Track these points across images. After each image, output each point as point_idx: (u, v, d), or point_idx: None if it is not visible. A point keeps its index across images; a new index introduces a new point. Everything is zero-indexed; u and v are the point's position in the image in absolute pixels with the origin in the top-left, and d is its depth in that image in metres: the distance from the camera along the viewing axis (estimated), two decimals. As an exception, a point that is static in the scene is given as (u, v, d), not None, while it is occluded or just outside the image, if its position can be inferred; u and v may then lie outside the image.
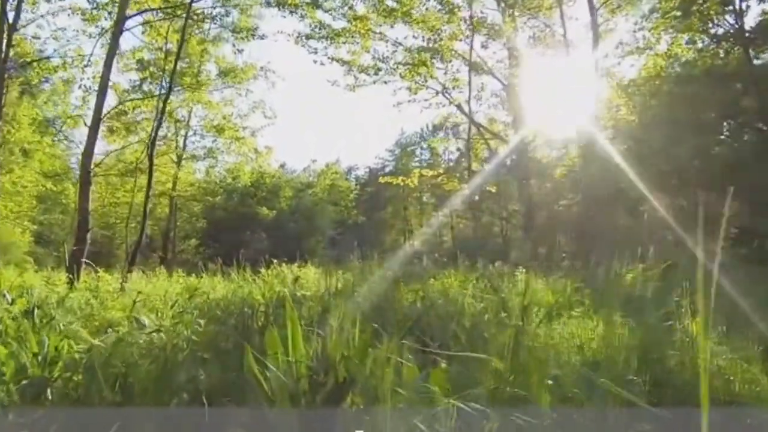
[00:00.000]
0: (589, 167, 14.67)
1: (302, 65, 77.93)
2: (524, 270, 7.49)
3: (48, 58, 12.33)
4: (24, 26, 12.32)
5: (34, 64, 12.66)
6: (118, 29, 9.72)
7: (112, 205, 27.03)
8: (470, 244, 38.90)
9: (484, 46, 13.53)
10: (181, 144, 26.58)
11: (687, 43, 19.02)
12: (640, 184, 15.91)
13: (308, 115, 78.89)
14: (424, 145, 50.36)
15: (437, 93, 14.66)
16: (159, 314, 5.24)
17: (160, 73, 21.77)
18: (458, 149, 48.25)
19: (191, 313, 4.71)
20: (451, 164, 43.89)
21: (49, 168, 25.83)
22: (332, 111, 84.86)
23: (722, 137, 17.96)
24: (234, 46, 14.71)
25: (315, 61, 14.97)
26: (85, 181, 8.73)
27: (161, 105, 8.11)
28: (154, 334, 4.21)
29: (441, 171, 22.36)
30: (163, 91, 23.44)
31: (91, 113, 10.50)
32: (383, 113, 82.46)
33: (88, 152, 8.91)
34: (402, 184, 17.03)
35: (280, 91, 73.94)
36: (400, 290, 4.51)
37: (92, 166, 8.87)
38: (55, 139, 26.39)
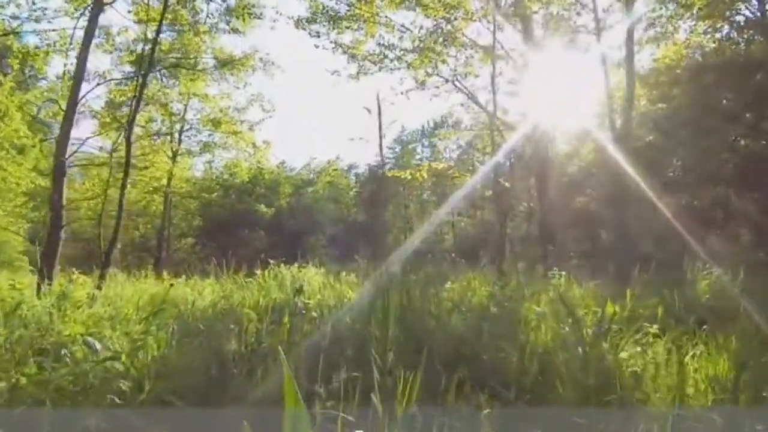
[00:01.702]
0: (607, 162, 13.71)
1: (303, 62, 77.03)
2: (559, 272, 6.51)
3: (16, 33, 11.30)
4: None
5: (14, 47, 11.66)
6: (98, 4, 8.74)
7: (103, 201, 25.94)
8: (472, 242, 38.05)
9: (500, 28, 12.54)
10: (176, 139, 25.62)
11: (706, 32, 18.11)
12: (652, 181, 14.96)
13: (308, 113, 77.95)
14: (426, 142, 49.48)
15: (447, 81, 13.70)
16: (127, 329, 4.27)
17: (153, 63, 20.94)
18: (459, 146, 47.40)
19: (167, 328, 3.76)
20: (452, 162, 42.91)
21: (46, 166, 24.79)
22: (332, 109, 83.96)
23: (745, 130, 17.03)
24: (228, 24, 13.64)
25: (317, 46, 14.01)
26: (58, 173, 7.74)
27: (140, 82, 7.10)
28: (114, 362, 3.25)
29: (451, 164, 21.36)
30: (160, 81, 22.71)
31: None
32: (384, 110, 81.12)
33: (63, 140, 7.93)
34: (410, 177, 16.10)
35: (281, 89, 72.86)
36: (435, 302, 3.55)
37: (67, 156, 7.89)
38: (51, 137, 25.37)
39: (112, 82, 13.25)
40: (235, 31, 13.68)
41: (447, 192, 44.93)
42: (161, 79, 22.51)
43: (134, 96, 7.80)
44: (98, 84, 11.11)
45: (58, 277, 8.00)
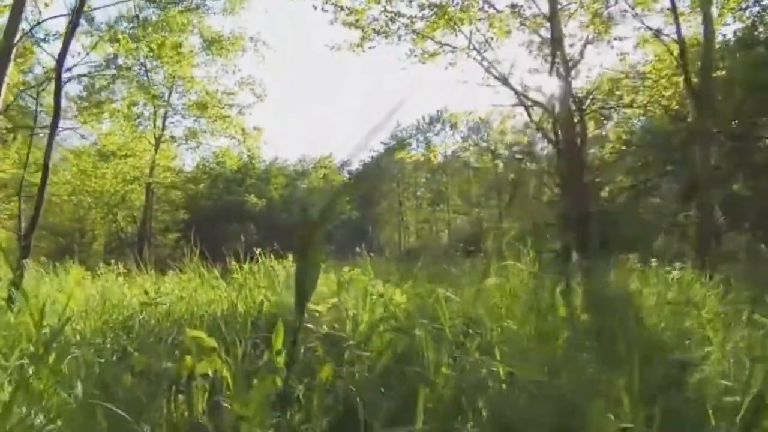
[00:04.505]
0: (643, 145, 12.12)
1: (297, 55, 75.73)
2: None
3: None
4: None
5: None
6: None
7: (83, 193, 23.95)
8: (469, 238, 36.40)
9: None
10: (159, 125, 23.62)
11: (738, 9, 16.60)
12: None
13: (301, 109, 76.64)
14: (420, 138, 47.97)
15: (462, 50, 11.97)
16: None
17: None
18: (456, 141, 45.94)
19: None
20: (448, 159, 41.42)
21: (32, 161, 22.81)
22: (326, 104, 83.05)
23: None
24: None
25: (315, 7, 12.22)
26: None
27: (72, 20, 5.26)
28: None
29: (466, 145, 19.72)
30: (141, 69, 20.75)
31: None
32: (378, 106, 79.80)
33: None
34: (421, 159, 14.47)
35: (275, 87, 71.15)
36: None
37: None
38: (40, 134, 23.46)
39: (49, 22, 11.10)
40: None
41: (441, 189, 43.52)
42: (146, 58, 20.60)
43: (65, 32, 5.95)
44: (33, 26, 9.10)
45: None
